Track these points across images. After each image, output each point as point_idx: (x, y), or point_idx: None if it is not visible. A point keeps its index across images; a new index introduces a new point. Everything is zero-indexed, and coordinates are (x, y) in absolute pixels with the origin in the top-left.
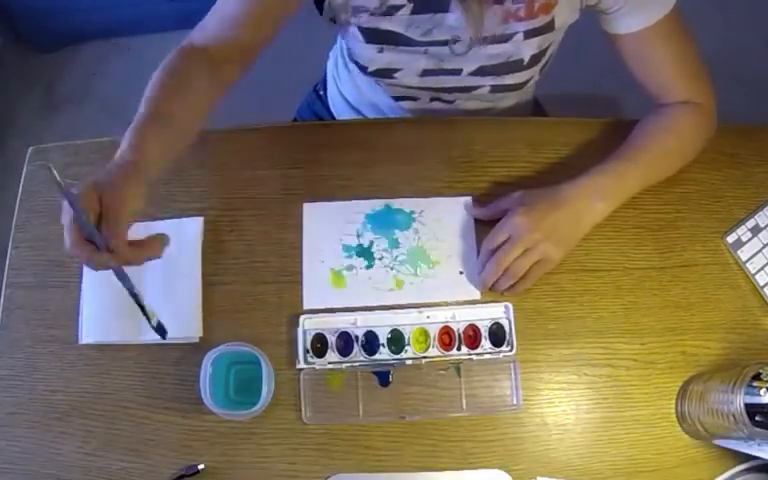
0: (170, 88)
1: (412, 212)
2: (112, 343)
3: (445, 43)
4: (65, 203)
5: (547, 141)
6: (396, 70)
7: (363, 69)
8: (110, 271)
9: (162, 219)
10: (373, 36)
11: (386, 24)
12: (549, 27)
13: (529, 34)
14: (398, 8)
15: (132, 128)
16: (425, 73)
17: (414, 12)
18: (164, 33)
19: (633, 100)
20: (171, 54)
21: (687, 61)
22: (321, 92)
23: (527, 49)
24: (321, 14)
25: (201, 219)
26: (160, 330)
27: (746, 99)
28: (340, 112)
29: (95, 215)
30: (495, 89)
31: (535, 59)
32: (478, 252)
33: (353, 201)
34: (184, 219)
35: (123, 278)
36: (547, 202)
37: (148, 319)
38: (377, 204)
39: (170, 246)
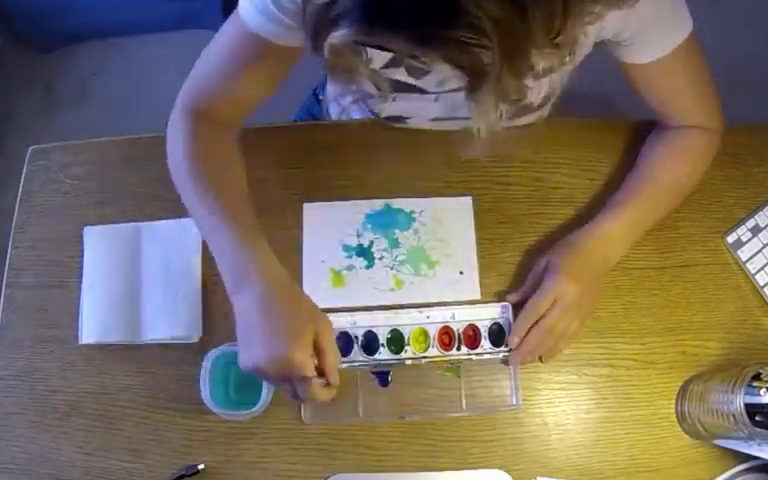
0: (229, 189)
1: (412, 212)
2: (112, 343)
3: (458, 89)
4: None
5: (547, 140)
6: (408, 117)
7: (375, 115)
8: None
9: (162, 219)
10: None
11: (399, 75)
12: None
13: (539, 75)
14: None
15: (242, 240)
16: (437, 119)
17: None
18: (163, 33)
19: (635, 100)
20: (193, 130)
21: (701, 87)
22: (321, 96)
23: (536, 93)
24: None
25: None
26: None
27: (746, 99)
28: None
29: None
30: (506, 128)
31: (546, 99)
32: (478, 252)
33: (353, 201)
34: (184, 219)
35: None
36: (578, 258)
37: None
38: (377, 204)
39: (170, 246)
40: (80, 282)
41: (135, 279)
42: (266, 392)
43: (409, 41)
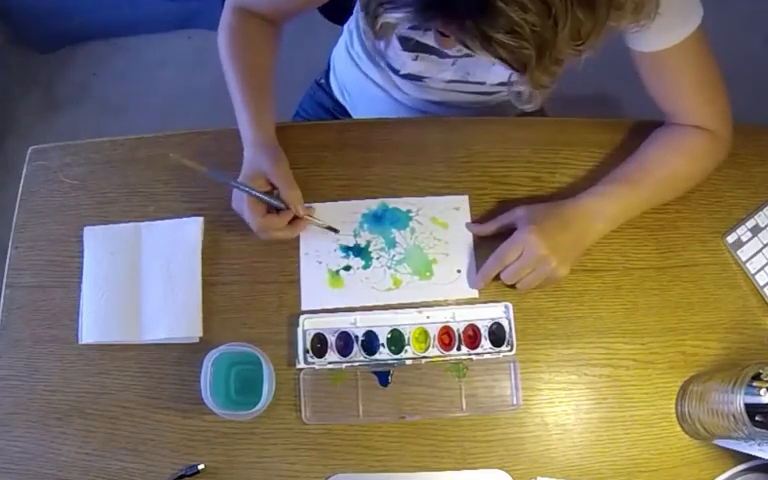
0: (253, 63)
1: (409, 211)
2: (112, 343)
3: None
4: (236, 193)
5: (547, 141)
6: (425, 77)
7: (395, 71)
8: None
9: (162, 219)
10: (410, 45)
11: (423, 38)
12: None
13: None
14: None
15: (245, 108)
16: (451, 82)
17: None
18: (164, 33)
19: (635, 100)
20: (233, 19)
21: (706, 85)
22: (322, 81)
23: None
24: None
25: (201, 219)
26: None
27: (745, 99)
28: (344, 80)
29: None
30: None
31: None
32: (475, 250)
33: (350, 201)
34: (184, 219)
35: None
36: (554, 220)
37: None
38: (373, 203)
39: (170, 246)
40: (80, 282)
41: (135, 279)
42: (267, 392)
43: (459, 33)
